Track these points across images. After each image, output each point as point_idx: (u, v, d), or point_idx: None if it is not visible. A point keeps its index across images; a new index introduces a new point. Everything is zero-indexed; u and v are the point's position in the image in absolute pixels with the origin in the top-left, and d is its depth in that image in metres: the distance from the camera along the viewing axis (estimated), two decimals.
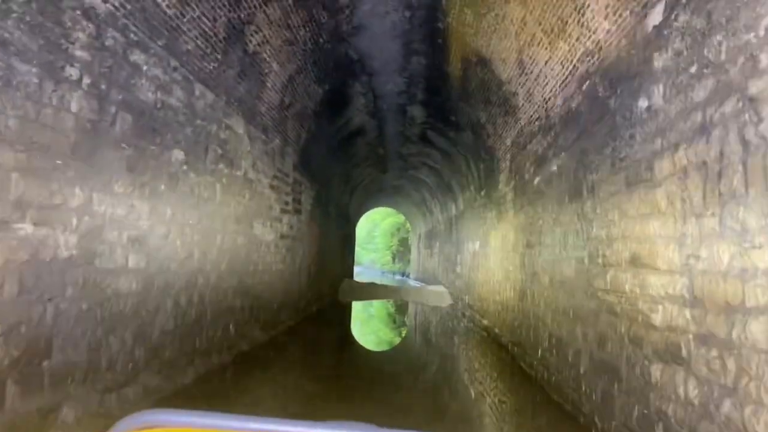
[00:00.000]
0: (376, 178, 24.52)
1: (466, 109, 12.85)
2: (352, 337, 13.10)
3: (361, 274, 52.05)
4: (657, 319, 4.37)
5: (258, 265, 9.80)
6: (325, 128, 13.57)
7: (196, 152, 7.02)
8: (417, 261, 35.72)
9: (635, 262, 4.82)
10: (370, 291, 21.10)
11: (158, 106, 6.08)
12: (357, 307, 19.48)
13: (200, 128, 7.14)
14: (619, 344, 5.10)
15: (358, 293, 20.59)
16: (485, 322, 12.97)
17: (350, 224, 26.92)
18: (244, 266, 8.99)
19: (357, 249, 57.58)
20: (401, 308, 20.76)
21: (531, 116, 9.02)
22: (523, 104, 9.24)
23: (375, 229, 49.59)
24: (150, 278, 6.02)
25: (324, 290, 16.99)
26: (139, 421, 1.20)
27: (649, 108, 4.70)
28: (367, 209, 35.55)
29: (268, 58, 8.75)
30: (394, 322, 17.87)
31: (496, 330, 11.49)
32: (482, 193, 14.63)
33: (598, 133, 5.96)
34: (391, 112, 15.15)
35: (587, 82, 6.39)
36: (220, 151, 7.79)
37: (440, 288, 22.05)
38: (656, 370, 4.34)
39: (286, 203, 11.49)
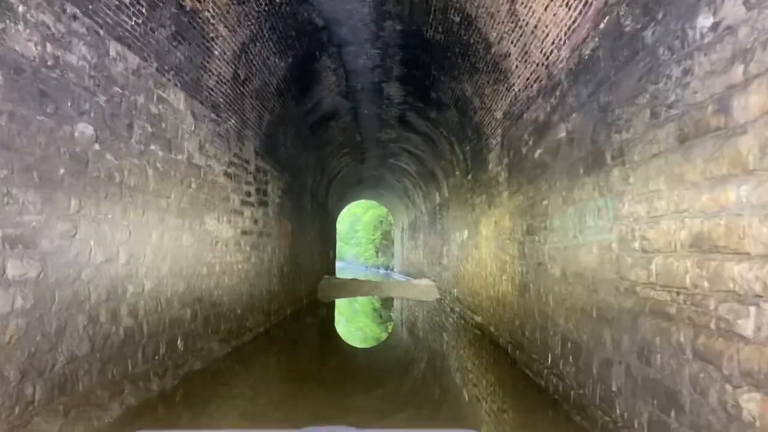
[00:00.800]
0: (354, 168, 23.03)
1: (449, 83, 11.42)
2: (330, 340, 11.64)
3: (344, 269, 50.51)
4: (747, 326, 2.98)
5: (214, 266, 8.30)
6: (292, 110, 12.07)
7: (114, 128, 5.50)
8: (401, 254, 34.32)
9: (701, 244, 3.42)
10: (351, 288, 19.67)
11: (49, 63, 4.55)
12: (338, 305, 18.04)
13: (120, 98, 5.62)
14: (675, 358, 3.71)
15: (339, 291, 19.15)
16: (478, 318, 11.59)
17: (330, 218, 25.42)
18: (193, 268, 7.49)
19: (339, 244, 56.08)
20: (385, 304, 19.35)
21: (527, 79, 7.61)
22: (517, 66, 7.82)
23: (357, 223, 48.09)
24: (46, 291, 4.51)
25: (301, 290, 15.52)
26: None
27: (716, 25, 3.29)
28: (348, 202, 34.06)
29: (212, 19, 7.23)
30: (379, 318, 16.47)
31: (492, 329, 10.11)
32: (469, 177, 13.23)
33: (625, 80, 4.55)
34: (366, 91, 13.68)
35: (606, 18, 4.98)
36: (151, 129, 6.27)
37: (426, 281, 20.68)
38: (750, 403, 2.95)
39: (248, 194, 9.98)
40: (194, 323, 7.51)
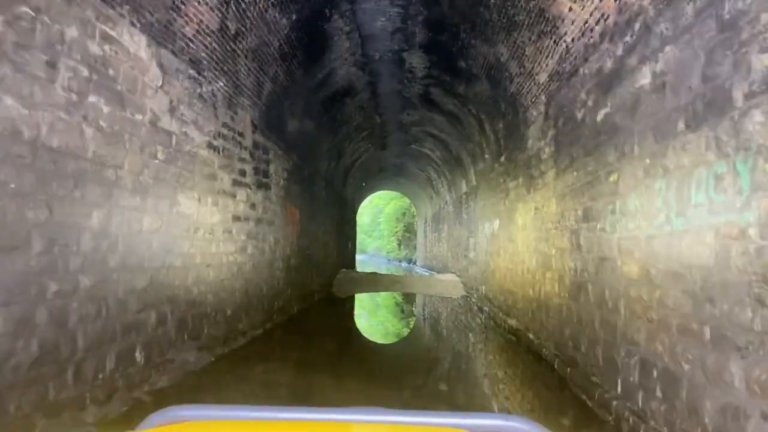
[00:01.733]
0: (374, 154, 21.36)
1: (481, 48, 9.67)
2: (339, 342, 10.01)
3: (365, 262, 48.96)
4: None
5: (193, 258, 6.72)
6: (299, 80, 10.43)
7: (21, 64, 3.91)
8: (424, 247, 32.61)
9: None
10: (370, 282, 18.06)
11: None
12: (354, 301, 16.43)
13: (31, 23, 4.02)
14: None
15: (356, 286, 17.55)
16: (512, 322, 9.86)
17: (348, 208, 23.82)
18: (161, 260, 5.91)
19: (361, 236, 54.55)
20: (406, 301, 17.70)
21: (585, 23, 5.84)
22: (570, 9, 6.06)
23: (379, 215, 46.48)
24: None
25: (312, 284, 13.94)
26: (169, 416, 1.25)
27: None
28: (368, 192, 32.42)
29: None
30: (398, 317, 14.87)
31: (531, 335, 8.38)
32: (502, 159, 11.46)
33: None
34: (385, 62, 11.98)
35: None
36: (89, 75, 4.67)
37: (451, 277, 18.96)
38: None
39: (242, 173, 8.38)
40: (162, 328, 5.93)
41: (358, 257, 53.74)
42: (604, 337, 5.28)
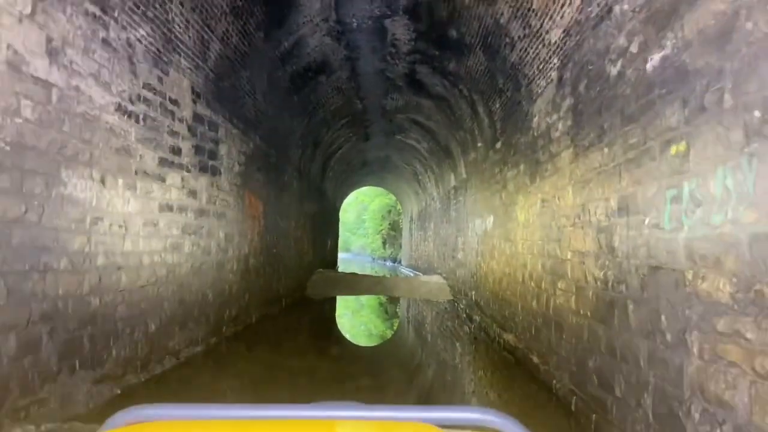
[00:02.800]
0: (356, 146, 19.63)
1: (476, 9, 7.99)
2: (300, 358, 8.23)
3: (350, 261, 47.13)
4: None
5: (91, 258, 4.94)
6: (259, 45, 8.67)
7: None
8: (409, 246, 30.92)
9: None
10: (348, 284, 16.33)
11: None
12: (329, 306, 14.69)
13: None
14: None
15: (333, 287, 15.81)
16: (508, 337, 8.18)
17: (328, 203, 22.05)
18: (26, 261, 4.14)
19: (345, 234, 52.70)
20: (386, 305, 16.00)
21: None
22: None
23: (364, 212, 44.75)
24: None
25: (280, 287, 12.18)
26: (135, 415, 1.23)
27: None
28: (351, 188, 30.66)
29: None
30: (377, 321, 13.19)
31: (535, 358, 6.69)
32: (498, 145, 9.79)
33: None
34: (365, 32, 10.25)
35: None
36: None
37: (436, 279, 17.27)
38: None
39: (175, 151, 6.59)
40: (31, 357, 4.17)
41: (342, 256, 51.90)
42: (657, 384, 3.60)
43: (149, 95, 5.92)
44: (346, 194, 30.36)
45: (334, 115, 14.72)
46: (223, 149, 8.15)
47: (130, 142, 5.56)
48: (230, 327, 8.58)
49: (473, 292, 12.07)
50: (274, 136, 11.10)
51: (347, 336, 10.90)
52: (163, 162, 6.26)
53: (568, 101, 5.76)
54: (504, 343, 8.26)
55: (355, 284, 16.27)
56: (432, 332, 11.82)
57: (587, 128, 5.13)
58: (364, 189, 38.93)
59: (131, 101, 5.57)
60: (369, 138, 18.86)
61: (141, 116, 5.76)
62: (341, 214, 48.54)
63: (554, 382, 5.74)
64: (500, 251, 9.22)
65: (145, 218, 5.91)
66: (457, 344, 10.18)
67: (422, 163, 20.35)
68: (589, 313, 4.93)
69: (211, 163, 7.68)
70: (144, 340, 5.92)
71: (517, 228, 8.05)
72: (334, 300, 15.07)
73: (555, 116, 6.23)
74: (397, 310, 15.68)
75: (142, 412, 1.24)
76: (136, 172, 5.69)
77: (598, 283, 4.71)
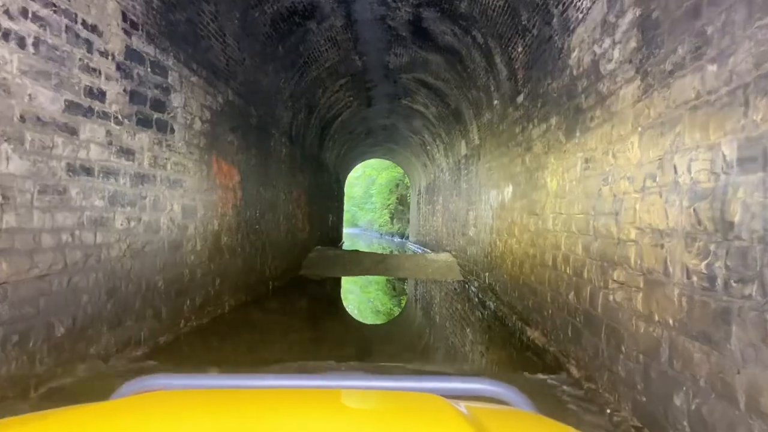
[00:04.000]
0: (358, 112, 17.83)
1: None
2: (274, 355, 6.57)
3: (358, 236, 45.57)
4: None
5: None
6: None
7: None
8: (417, 221, 29.22)
9: None
10: (349, 263, 14.69)
11: None
12: (324, 287, 13.08)
13: None
14: None
15: (330, 267, 14.19)
16: (534, 334, 6.52)
17: (329, 175, 20.34)
18: None
19: (353, 209, 51.09)
20: (388, 287, 14.39)
21: None
22: None
23: (372, 186, 43.01)
24: None
25: (266, 268, 10.57)
26: (143, 385, 1.26)
27: None
28: (356, 160, 28.87)
29: None
30: (378, 303, 11.62)
31: (575, 371, 5.00)
32: (520, 99, 8.02)
33: None
34: None
35: None
36: None
37: (445, 257, 15.60)
38: None
39: (94, 94, 4.87)
40: None
41: (349, 231, 50.39)
42: None
43: (44, 12, 4.20)
44: (350, 167, 28.63)
45: (330, 74, 12.93)
46: (176, 100, 6.44)
47: (7, 75, 3.87)
48: (192, 320, 6.97)
49: (486, 274, 10.39)
50: (254, 93, 9.37)
51: (337, 323, 9.28)
52: (72, 108, 4.57)
53: (631, 15, 3.98)
54: (527, 341, 6.59)
55: (356, 263, 14.63)
56: (440, 318, 10.18)
57: (670, 44, 3.38)
58: (371, 162, 37.17)
59: (9, 16, 3.87)
60: (372, 103, 17.06)
61: (29, 40, 4.06)
62: (347, 188, 46.97)
63: (608, 411, 4.07)
64: (522, 228, 7.52)
65: (43, 184, 4.25)
66: (469, 335, 8.56)
67: (430, 131, 18.54)
68: (672, 323, 3.24)
69: (157, 116, 5.98)
70: (46, 349, 4.31)
71: (545, 199, 6.33)
72: (331, 281, 13.45)
73: (607, 42, 4.45)
74: (401, 290, 14.06)
75: (149, 382, 1.27)
76: (21, 119, 4.02)
77: (695, 278, 3.00)
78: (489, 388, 1.26)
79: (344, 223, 50.81)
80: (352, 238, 41.11)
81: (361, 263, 14.69)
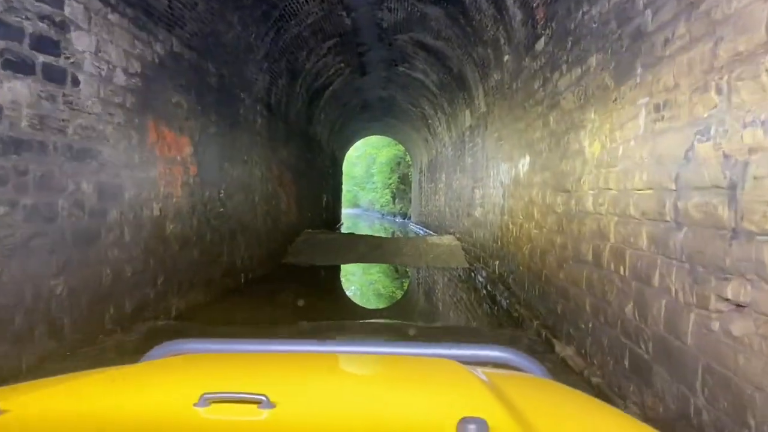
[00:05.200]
0: (351, 81, 16.01)
1: None
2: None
3: (359, 217, 43.86)
4: None
5: None
6: None
7: None
8: (418, 201, 27.46)
9: None
10: (339, 248, 13.01)
11: None
12: (304, 279, 11.42)
13: None
14: None
15: (321, 252, 12.52)
16: (565, 351, 4.84)
17: (321, 152, 18.58)
18: None
19: (354, 189, 49.32)
20: (386, 271, 12.73)
21: None
22: None
23: (373, 165, 41.20)
24: None
25: (238, 258, 8.91)
26: (171, 349, 1.32)
27: None
28: (354, 136, 27.03)
29: None
30: (370, 294, 9.99)
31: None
32: (540, 44, 6.24)
33: None
34: None
35: None
36: None
37: (448, 240, 13.92)
38: None
39: None
40: None
41: (350, 211, 48.65)
42: None
43: None
44: (347, 145, 26.84)
45: (314, 33, 11.13)
46: (81, 41, 4.71)
47: None
48: (117, 332, 5.33)
49: (496, 263, 8.71)
50: (213, 47, 7.62)
51: (314, 322, 7.61)
52: None
53: None
54: (557, 360, 4.90)
55: (350, 248, 12.96)
56: (442, 318, 8.52)
57: None
58: (372, 140, 35.37)
59: None
60: (366, 71, 15.24)
61: None
62: (347, 167, 45.14)
63: None
64: (544, 208, 5.81)
65: None
66: (481, 333, 6.91)
67: (431, 103, 16.72)
68: None
69: (44, 59, 4.26)
70: None
71: (581, 169, 4.61)
72: (319, 269, 11.78)
73: None
74: (397, 281, 12.42)
75: (177, 346, 1.31)
76: None
77: None
78: (502, 354, 1.28)
79: (345, 204, 49.23)
80: (353, 219, 39.41)
81: (356, 248, 13.02)
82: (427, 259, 12.29)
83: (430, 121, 18.95)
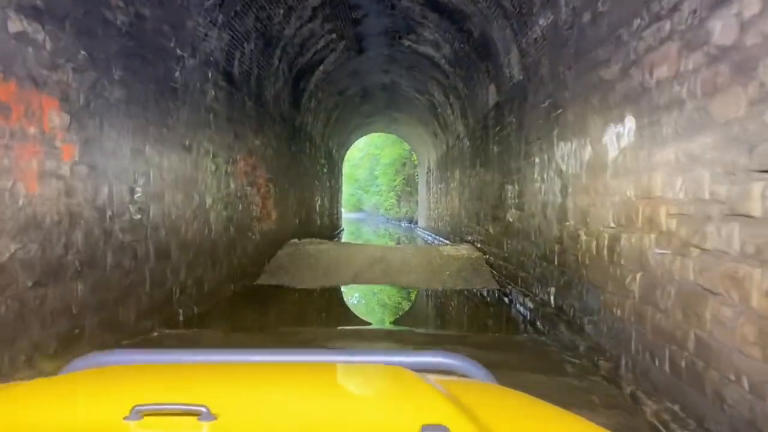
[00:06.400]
0: (346, 62, 13.19)
1: None
2: None
3: (362, 222, 40.98)
4: None
5: None
6: None
7: None
8: (426, 203, 24.55)
9: None
10: (332, 264, 10.11)
11: None
12: (273, 311, 8.54)
13: None
14: None
15: (305, 271, 9.64)
16: None
17: (313, 146, 15.70)
18: None
19: (358, 192, 46.43)
20: (383, 304, 9.84)
21: None
22: None
23: (376, 167, 38.33)
24: None
25: (174, 285, 6.09)
26: (91, 361, 1.19)
27: None
28: (355, 132, 24.14)
29: None
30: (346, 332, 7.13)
31: None
32: None
33: None
34: None
35: None
36: None
37: (467, 250, 11.06)
38: None
39: None
40: None
41: (353, 216, 45.78)
42: None
43: None
44: (347, 141, 23.98)
45: None
46: None
47: None
48: None
49: (551, 290, 5.85)
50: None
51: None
52: None
53: None
54: None
55: (343, 263, 10.10)
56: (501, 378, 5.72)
57: None
58: (375, 138, 32.55)
59: None
60: (363, 47, 12.42)
61: None
62: (350, 169, 42.32)
63: None
64: (682, 211, 2.97)
65: None
66: None
67: (442, 86, 13.88)
68: None
69: None
70: None
71: None
72: (300, 294, 8.87)
73: None
74: (410, 315, 9.54)
75: (98, 358, 1.21)
76: None
77: None
78: (447, 361, 1.25)
79: (348, 208, 46.35)
80: (356, 224, 36.57)
81: (351, 263, 10.15)
82: (443, 278, 9.41)
83: (440, 110, 16.11)
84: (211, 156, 7.09)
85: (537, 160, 6.66)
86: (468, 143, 13.05)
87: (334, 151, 20.63)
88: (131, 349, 1.24)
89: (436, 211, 20.33)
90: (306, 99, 12.99)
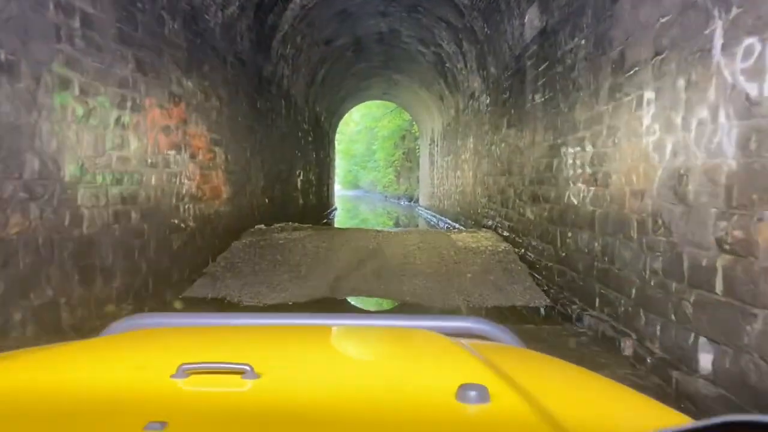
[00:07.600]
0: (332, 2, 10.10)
1: None
2: None
3: (359, 199, 37.89)
4: None
5: None
6: None
7: None
8: (429, 180, 21.49)
9: None
10: (308, 260, 7.15)
11: None
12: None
13: None
14: None
15: (265, 274, 6.71)
16: None
17: (292, 107, 12.61)
18: None
19: (355, 168, 43.25)
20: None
21: None
22: None
23: (374, 141, 35.17)
24: None
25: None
26: (131, 324, 1.21)
27: None
28: (348, 99, 20.96)
29: None
30: None
31: None
32: None
33: None
34: None
35: None
36: None
37: (489, 239, 8.13)
38: None
39: None
40: None
41: (351, 193, 42.67)
42: None
43: None
44: (339, 108, 20.85)
45: None
46: None
47: None
48: None
49: (703, 344, 2.96)
50: None
51: None
52: None
53: None
54: None
55: (321, 259, 7.17)
56: None
57: None
58: (372, 107, 29.36)
59: None
60: None
61: None
62: (348, 144, 39.14)
63: None
64: None
65: None
66: None
67: (454, 29, 10.78)
68: None
69: None
70: None
71: None
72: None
73: None
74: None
75: (137, 321, 1.22)
76: None
77: None
78: (478, 326, 1.27)
79: (345, 185, 43.23)
80: (353, 202, 33.59)
81: (331, 259, 7.19)
82: (463, 283, 6.42)
83: (448, 65, 13.02)
84: (76, 91, 4.07)
85: (649, 95, 3.68)
86: (488, 100, 10.02)
87: (322, 118, 17.56)
88: (168, 313, 1.16)
89: (441, 188, 17.32)
90: (279, 42, 9.90)
